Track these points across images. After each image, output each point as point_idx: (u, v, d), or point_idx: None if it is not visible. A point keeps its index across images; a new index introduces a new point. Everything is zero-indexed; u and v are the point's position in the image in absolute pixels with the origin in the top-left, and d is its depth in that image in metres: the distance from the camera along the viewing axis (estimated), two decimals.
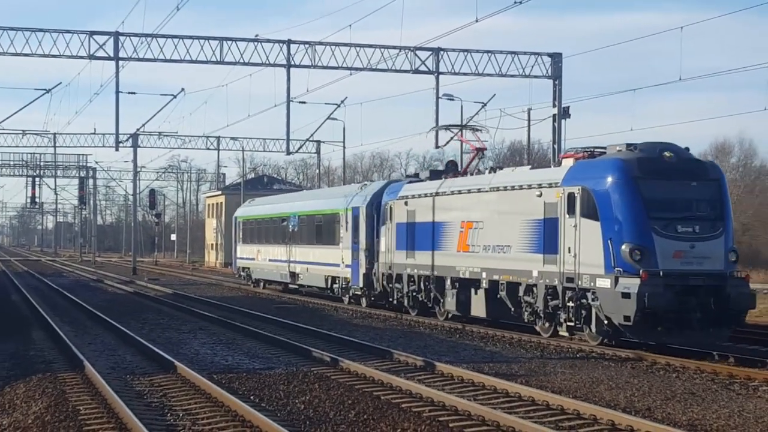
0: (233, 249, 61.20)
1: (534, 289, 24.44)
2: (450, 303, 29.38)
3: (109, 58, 47.93)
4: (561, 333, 24.22)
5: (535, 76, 49.66)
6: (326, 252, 39.20)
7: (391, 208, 33.41)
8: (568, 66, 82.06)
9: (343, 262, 36.97)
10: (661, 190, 20.75)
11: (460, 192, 29.00)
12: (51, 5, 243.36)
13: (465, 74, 49.62)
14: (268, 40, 48.78)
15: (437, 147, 52.42)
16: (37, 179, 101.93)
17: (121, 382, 19.15)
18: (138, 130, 69.71)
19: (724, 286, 20.12)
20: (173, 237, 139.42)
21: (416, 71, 49.39)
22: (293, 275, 44.81)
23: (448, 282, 29.41)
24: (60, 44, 47.35)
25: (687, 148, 22.89)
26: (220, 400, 17.07)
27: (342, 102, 66.49)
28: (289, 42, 48.82)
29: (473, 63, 49.16)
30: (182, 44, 48.10)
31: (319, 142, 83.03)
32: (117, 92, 50.49)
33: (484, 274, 26.95)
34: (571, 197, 22.36)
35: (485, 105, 52.40)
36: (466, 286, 28.45)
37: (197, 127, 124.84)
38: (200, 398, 17.75)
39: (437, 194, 30.52)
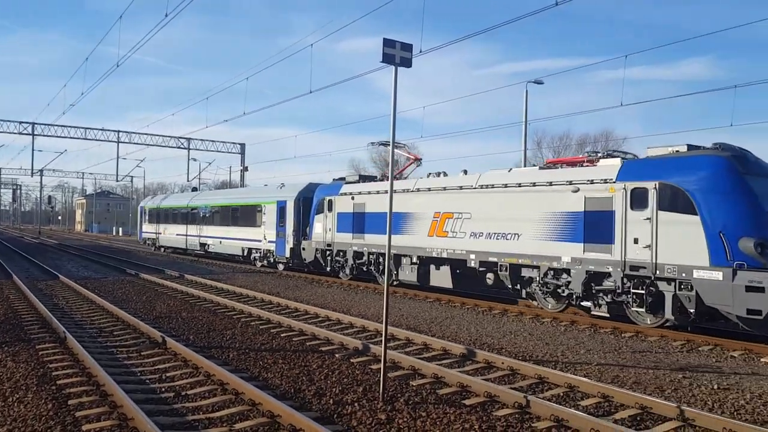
0: (138, 226, 41.95)
1: (564, 272, 12.25)
2: (410, 275, 16.08)
3: (29, 134, 39.65)
4: (595, 313, 11.77)
5: (233, 152, 46.88)
6: (244, 231, 25.44)
7: (330, 201, 19.27)
8: (249, 149, 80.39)
9: (265, 239, 23.92)
10: (762, 186, 9.99)
11: (434, 189, 15.70)
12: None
13: (203, 150, 45.60)
14: (105, 129, 42.27)
15: (188, 180, 49.40)
16: None
17: (31, 284, 16.72)
18: (42, 168, 59.79)
19: None
20: (60, 217, 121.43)
21: (179, 147, 44.52)
22: (203, 245, 29.41)
23: (410, 259, 16.08)
24: (5, 126, 38.82)
25: None
26: (80, 291, 15.52)
27: (143, 160, 62.35)
28: (120, 133, 43.51)
29: (206, 145, 45.43)
30: (64, 129, 40.27)
31: (132, 177, 74.26)
32: (32, 150, 42.61)
33: (472, 256, 14.13)
34: (637, 192, 10.90)
35: (210, 164, 52.44)
36: (426, 263, 15.69)
37: (74, 167, 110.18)
38: (70, 291, 15.95)
39: (405, 191, 16.40)
